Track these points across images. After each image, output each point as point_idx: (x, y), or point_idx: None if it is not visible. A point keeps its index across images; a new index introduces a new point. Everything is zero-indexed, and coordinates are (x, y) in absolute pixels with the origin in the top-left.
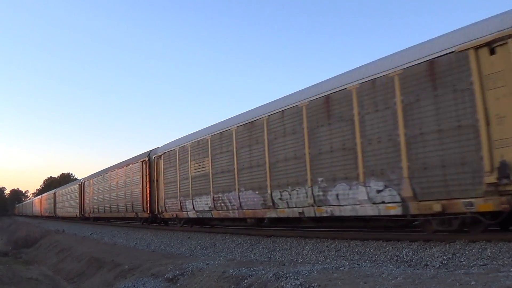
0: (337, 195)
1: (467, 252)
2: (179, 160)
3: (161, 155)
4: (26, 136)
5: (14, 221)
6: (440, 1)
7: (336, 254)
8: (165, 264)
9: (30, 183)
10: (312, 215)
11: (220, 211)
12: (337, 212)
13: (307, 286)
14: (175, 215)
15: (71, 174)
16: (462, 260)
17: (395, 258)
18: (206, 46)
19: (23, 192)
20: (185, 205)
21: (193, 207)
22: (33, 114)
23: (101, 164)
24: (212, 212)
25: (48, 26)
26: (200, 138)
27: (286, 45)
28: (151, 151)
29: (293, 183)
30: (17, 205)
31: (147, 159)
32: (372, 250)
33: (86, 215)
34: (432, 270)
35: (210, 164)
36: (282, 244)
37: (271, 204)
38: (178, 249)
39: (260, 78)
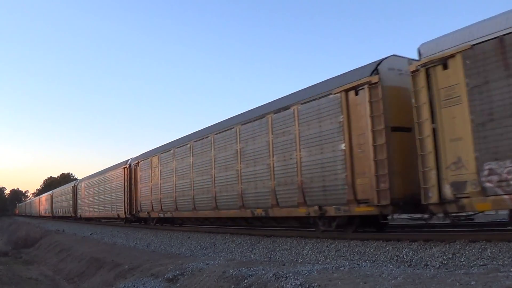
0: None
1: (467, 252)
2: None
3: (450, 57)
4: (26, 136)
5: (14, 221)
6: (440, 1)
7: (336, 254)
8: (165, 264)
9: (30, 183)
10: None
11: None
12: None
13: (307, 286)
14: None
15: (71, 174)
16: (462, 260)
17: (395, 258)
18: (204, 46)
19: (23, 192)
20: None
21: None
22: (33, 114)
23: (101, 164)
24: None
25: (48, 27)
26: None
27: (286, 45)
28: (380, 61)
29: None
30: (19, 204)
31: (376, 80)
32: (372, 250)
33: (143, 215)
34: (432, 270)
35: None
36: (282, 244)
37: None
38: (178, 249)
39: (260, 78)
